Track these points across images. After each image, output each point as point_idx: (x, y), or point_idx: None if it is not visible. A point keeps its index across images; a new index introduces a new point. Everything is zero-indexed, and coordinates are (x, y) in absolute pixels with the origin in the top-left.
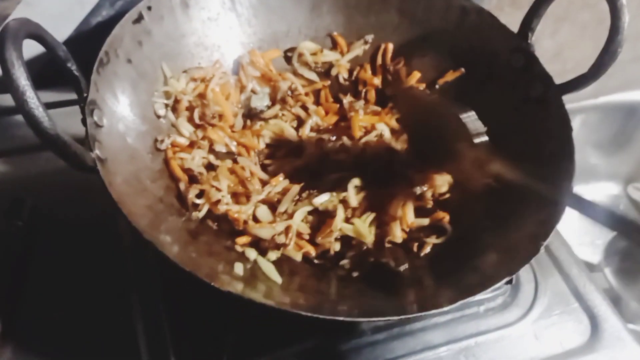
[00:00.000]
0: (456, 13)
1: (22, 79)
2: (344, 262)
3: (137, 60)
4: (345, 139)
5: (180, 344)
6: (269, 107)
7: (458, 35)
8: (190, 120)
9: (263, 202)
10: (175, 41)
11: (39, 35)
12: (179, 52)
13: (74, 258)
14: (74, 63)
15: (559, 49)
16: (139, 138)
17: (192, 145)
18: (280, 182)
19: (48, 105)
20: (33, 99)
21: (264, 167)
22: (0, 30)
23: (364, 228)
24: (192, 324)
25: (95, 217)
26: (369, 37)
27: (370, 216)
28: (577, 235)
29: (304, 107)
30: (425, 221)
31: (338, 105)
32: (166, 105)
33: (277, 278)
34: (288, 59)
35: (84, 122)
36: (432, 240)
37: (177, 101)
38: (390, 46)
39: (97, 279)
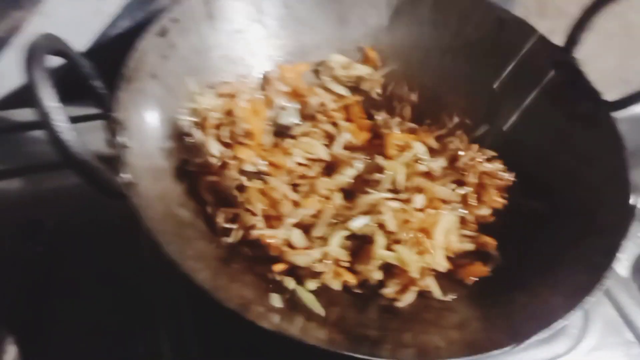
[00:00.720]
0: (493, 25)
1: (49, 101)
2: (386, 291)
3: (163, 76)
4: (379, 158)
5: None
6: (298, 124)
7: (496, 48)
8: (219, 138)
9: (296, 225)
10: (201, 55)
11: (63, 51)
12: (205, 66)
13: (96, 280)
14: (100, 80)
15: (584, 60)
16: (165, 159)
17: (221, 165)
18: (313, 203)
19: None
20: (61, 122)
21: (294, 188)
22: (25, 50)
23: (408, 256)
24: (223, 348)
25: (116, 233)
26: None
27: (412, 242)
28: None
29: (335, 124)
30: (470, 246)
31: (370, 122)
32: (193, 123)
33: (320, 310)
34: (317, 73)
35: (109, 142)
36: (479, 268)
37: (204, 119)
38: None
39: (122, 302)
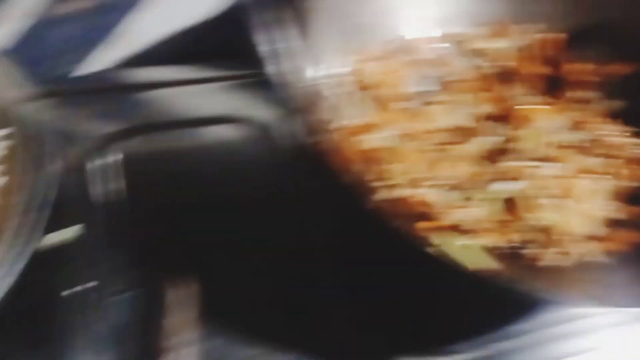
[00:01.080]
0: (630, 6)
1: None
2: (530, 251)
3: (309, 39)
4: (516, 128)
5: None
6: (436, 92)
7: (634, 27)
8: (363, 101)
9: (441, 187)
10: (344, 19)
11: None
12: (347, 30)
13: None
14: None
15: None
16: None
17: (364, 127)
18: (455, 168)
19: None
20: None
21: (434, 153)
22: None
23: (553, 219)
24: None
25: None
26: (538, 26)
27: (556, 206)
28: None
29: (471, 94)
30: (619, 215)
31: (505, 93)
32: (337, 86)
33: (489, 261)
34: (456, 44)
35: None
36: (629, 234)
37: (345, 82)
38: (559, 36)
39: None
